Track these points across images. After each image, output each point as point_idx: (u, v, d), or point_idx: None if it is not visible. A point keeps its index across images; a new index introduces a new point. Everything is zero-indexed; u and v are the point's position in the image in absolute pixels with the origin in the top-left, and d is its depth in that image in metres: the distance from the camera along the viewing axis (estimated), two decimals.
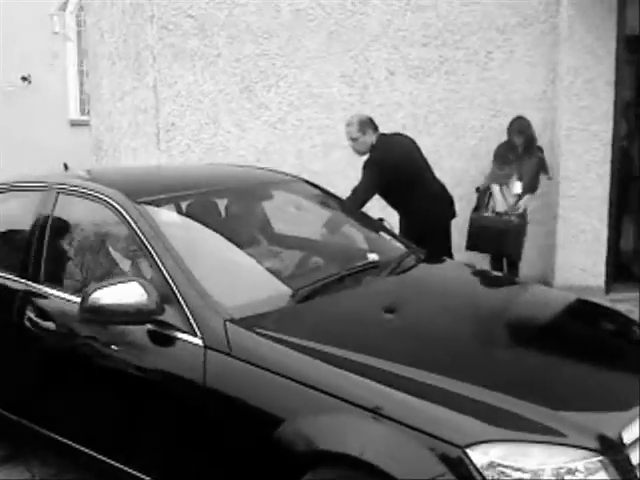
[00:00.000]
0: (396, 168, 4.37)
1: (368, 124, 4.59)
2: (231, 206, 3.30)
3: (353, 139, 4.59)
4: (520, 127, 5.46)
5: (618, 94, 5.74)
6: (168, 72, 6.16)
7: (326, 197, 3.46)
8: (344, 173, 5.92)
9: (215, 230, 2.99)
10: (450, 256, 4.42)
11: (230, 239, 2.99)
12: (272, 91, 6.21)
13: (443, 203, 4.72)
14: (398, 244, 3.27)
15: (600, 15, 5.64)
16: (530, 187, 5.38)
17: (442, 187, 4.79)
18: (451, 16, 6.09)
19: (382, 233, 3.31)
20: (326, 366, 2.13)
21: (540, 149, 5.58)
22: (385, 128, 6.10)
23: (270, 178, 3.54)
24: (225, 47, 6.20)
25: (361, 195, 4.33)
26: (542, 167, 5.52)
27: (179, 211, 3.07)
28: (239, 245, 2.99)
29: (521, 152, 5.43)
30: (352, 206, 4.08)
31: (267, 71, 6.22)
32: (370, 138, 4.55)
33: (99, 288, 2.40)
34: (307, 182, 3.47)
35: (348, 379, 2.08)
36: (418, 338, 2.39)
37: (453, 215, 4.80)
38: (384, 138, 4.64)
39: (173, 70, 6.20)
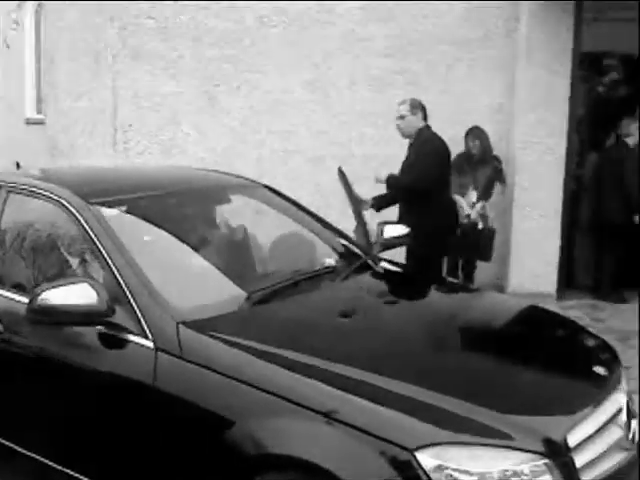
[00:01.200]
0: (444, 166, 4.44)
1: (419, 108, 4.54)
2: (187, 208, 3.27)
3: (401, 116, 4.53)
4: (475, 136, 5.60)
5: (572, 109, 5.90)
6: (127, 72, 6.10)
7: (285, 203, 3.45)
8: (303, 179, 5.94)
9: (169, 232, 2.96)
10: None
11: (185, 241, 2.96)
12: (233, 95, 6.20)
13: (454, 215, 4.92)
14: (355, 249, 3.29)
15: (557, 33, 5.80)
16: (483, 195, 5.50)
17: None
18: (412, 28, 6.18)
19: (339, 238, 3.32)
20: (278, 369, 2.13)
21: (497, 159, 5.71)
22: (345, 136, 6.17)
23: (228, 182, 3.52)
24: (186, 49, 6.17)
25: (410, 183, 4.34)
26: (498, 176, 5.64)
27: (133, 212, 3.02)
28: (194, 248, 2.96)
29: (476, 161, 5.55)
30: (395, 192, 4.29)
31: (229, 75, 6.21)
32: (418, 121, 4.50)
33: (48, 289, 2.35)
34: (267, 187, 3.46)
35: (300, 382, 2.07)
36: (371, 342, 2.40)
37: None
38: (433, 132, 4.58)
39: (132, 71, 6.14)
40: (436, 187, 4.36)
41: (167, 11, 6.19)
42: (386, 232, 3.43)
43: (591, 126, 6.69)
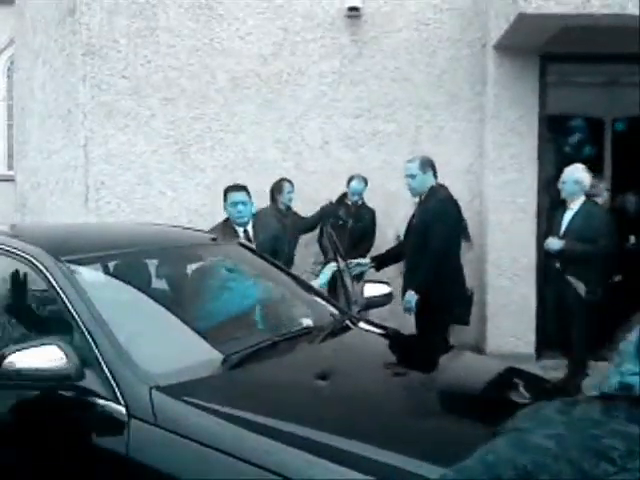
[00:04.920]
0: (456, 228, 4.31)
1: (429, 165, 4.40)
2: (160, 267, 3.19)
3: (412, 175, 4.37)
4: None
5: (541, 169, 6.03)
6: (100, 131, 6.09)
7: (260, 261, 3.40)
8: None
9: (143, 292, 2.87)
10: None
11: (158, 302, 2.87)
12: (207, 154, 6.21)
13: (461, 278, 4.58)
14: (332, 308, 3.23)
15: (523, 95, 5.98)
16: None
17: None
18: (382, 91, 6.32)
19: (317, 297, 3.26)
20: (257, 437, 2.03)
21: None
22: (319, 195, 6.19)
23: (202, 240, 3.46)
24: (159, 109, 6.20)
25: (436, 253, 4.16)
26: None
27: (105, 271, 2.93)
28: (168, 308, 2.87)
29: None
30: (429, 269, 4.14)
31: (202, 134, 6.24)
32: (430, 179, 4.35)
33: (15, 351, 2.24)
34: (242, 245, 3.41)
35: (280, 450, 1.97)
36: (349, 408, 2.32)
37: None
38: (446, 188, 4.45)
39: (105, 129, 6.13)
40: (452, 248, 4.30)
41: (140, 71, 6.23)
42: (366, 291, 3.38)
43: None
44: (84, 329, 2.34)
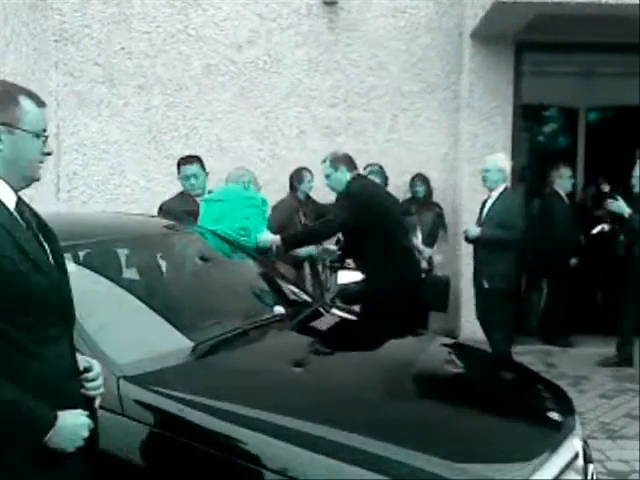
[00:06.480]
0: (369, 212, 4.04)
1: (342, 161, 4.27)
2: (129, 256, 3.15)
3: (327, 175, 4.28)
4: (422, 181, 5.73)
5: (515, 158, 6.06)
6: (72, 120, 6.00)
7: (231, 248, 3.38)
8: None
9: (111, 281, 2.84)
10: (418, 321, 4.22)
11: (127, 290, 2.84)
12: (181, 142, 6.15)
13: (412, 265, 4.37)
14: (305, 295, 3.22)
15: (498, 85, 6.00)
16: (429, 241, 5.55)
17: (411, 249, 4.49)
18: (358, 79, 6.30)
19: (288, 284, 3.25)
20: (226, 425, 2.02)
21: (438, 205, 5.81)
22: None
23: (171, 227, 3.43)
24: (133, 97, 6.13)
25: (323, 229, 4.12)
26: (441, 221, 5.73)
27: (75, 260, 2.89)
28: (137, 297, 2.84)
29: (421, 205, 5.64)
30: (301, 236, 4.04)
31: (176, 123, 6.18)
32: (344, 176, 4.19)
33: None
34: (213, 233, 3.39)
35: (250, 438, 1.97)
36: (323, 393, 2.32)
37: (419, 279, 4.55)
38: (361, 179, 4.36)
39: (77, 118, 6.05)
40: (371, 238, 4.05)
41: (113, 58, 6.15)
42: (340, 279, 3.38)
43: (534, 174, 6.88)
44: None
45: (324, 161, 4.31)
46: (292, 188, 5.62)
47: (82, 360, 1.78)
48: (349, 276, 3.44)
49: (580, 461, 2.30)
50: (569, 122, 6.97)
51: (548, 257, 5.95)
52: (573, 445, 2.31)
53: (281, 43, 6.26)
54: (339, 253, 4.42)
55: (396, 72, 6.32)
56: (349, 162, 4.25)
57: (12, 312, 1.55)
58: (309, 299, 3.21)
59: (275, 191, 5.90)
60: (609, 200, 5.39)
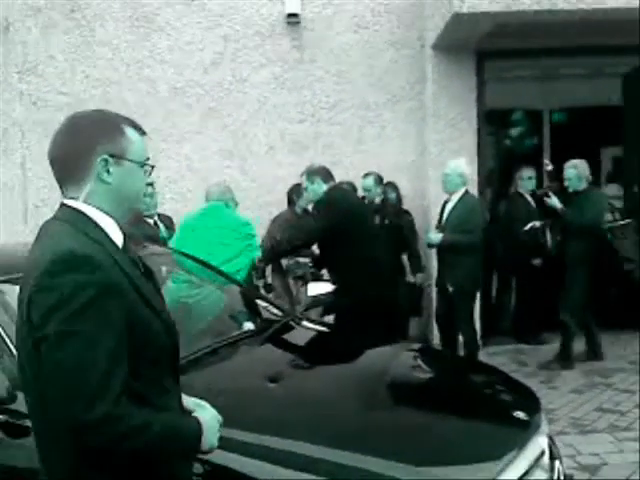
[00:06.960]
0: (348, 218, 4.07)
1: (317, 174, 4.30)
2: None
3: (304, 189, 4.38)
4: (392, 189, 5.80)
5: (481, 163, 6.15)
6: (38, 149, 5.98)
7: (199, 266, 3.38)
8: None
9: None
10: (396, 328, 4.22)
11: None
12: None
13: (386, 273, 4.32)
14: (275, 310, 3.24)
15: (461, 92, 6.09)
16: (403, 248, 5.63)
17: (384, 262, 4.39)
18: (324, 94, 6.36)
19: (258, 300, 3.26)
20: None
21: (408, 212, 5.88)
22: (266, 200, 6.20)
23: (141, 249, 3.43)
24: None
25: (303, 236, 4.21)
26: (412, 228, 5.80)
27: None
28: None
29: (393, 213, 5.70)
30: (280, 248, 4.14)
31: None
32: (320, 187, 4.22)
33: None
34: (179, 252, 3.39)
35: (226, 459, 1.97)
36: (298, 408, 2.33)
37: (396, 294, 4.46)
38: (340, 188, 4.44)
39: (43, 147, 5.99)
40: (342, 247, 4.06)
41: (78, 86, 6.16)
42: (310, 290, 3.40)
43: (501, 177, 6.98)
44: (14, 350, 2.30)
45: (302, 174, 4.38)
46: (290, 202, 5.68)
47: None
48: (319, 288, 3.46)
49: (546, 458, 2.33)
50: (533, 124, 7.09)
51: (514, 257, 6.05)
52: (539, 443, 2.34)
53: (246, 63, 6.31)
54: (311, 265, 4.44)
55: (361, 85, 6.39)
56: (325, 174, 4.32)
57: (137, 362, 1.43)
58: (280, 313, 3.23)
59: (246, 207, 5.93)
60: (545, 198, 5.48)
